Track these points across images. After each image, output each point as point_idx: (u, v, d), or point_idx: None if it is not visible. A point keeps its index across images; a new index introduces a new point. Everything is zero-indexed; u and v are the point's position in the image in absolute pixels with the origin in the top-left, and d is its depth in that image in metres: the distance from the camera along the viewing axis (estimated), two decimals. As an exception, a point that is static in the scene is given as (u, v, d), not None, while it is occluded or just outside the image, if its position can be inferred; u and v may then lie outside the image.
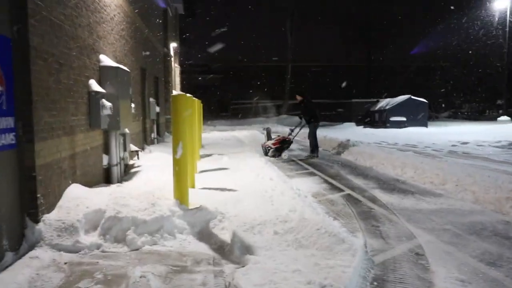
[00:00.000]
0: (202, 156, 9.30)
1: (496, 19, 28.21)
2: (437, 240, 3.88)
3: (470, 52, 32.17)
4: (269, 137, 11.21)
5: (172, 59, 17.99)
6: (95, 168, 5.46)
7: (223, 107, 38.31)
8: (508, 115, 25.53)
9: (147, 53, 10.07)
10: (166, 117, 15.08)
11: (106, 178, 5.84)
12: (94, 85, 5.53)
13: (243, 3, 36.55)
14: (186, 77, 35.60)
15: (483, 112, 37.65)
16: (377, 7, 35.69)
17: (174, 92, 18.97)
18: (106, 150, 5.95)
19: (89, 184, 5.00)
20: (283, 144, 10.49)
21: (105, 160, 5.87)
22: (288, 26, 32.87)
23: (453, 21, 32.20)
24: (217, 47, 33.99)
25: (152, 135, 11.43)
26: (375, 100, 26.80)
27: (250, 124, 27.30)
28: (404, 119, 22.57)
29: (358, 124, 25.59)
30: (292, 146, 11.72)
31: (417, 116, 22.75)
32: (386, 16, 35.49)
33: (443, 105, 38.31)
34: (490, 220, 4.56)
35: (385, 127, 22.70)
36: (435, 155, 10.36)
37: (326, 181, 7.13)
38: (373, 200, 5.66)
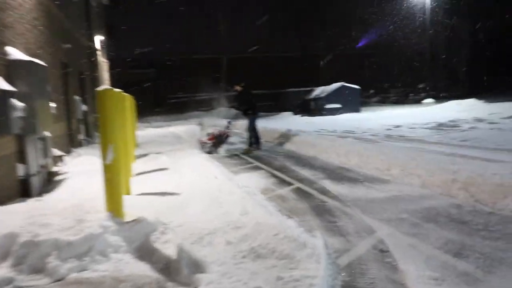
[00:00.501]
0: (138, 157, 8.57)
1: (419, 6, 29.85)
2: (397, 232, 3.70)
3: (395, 39, 33.84)
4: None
5: (99, 53, 16.69)
6: (6, 180, 4.63)
7: (158, 102, 36.82)
8: (431, 97, 27.20)
9: (68, 45, 9.04)
10: (95, 116, 13.93)
11: (23, 191, 5.02)
12: (1, 83, 4.68)
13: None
14: (117, 72, 33.71)
15: (407, 96, 39.96)
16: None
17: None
18: (22, 158, 5.11)
19: None
20: (219, 139, 10.06)
21: (20, 170, 5.04)
22: (220, 17, 32.24)
23: (381, 10, 33.64)
24: (149, 40, 32.49)
25: (80, 137, 10.41)
26: (310, 88, 27.17)
27: (187, 118, 26.46)
28: (339, 106, 23.10)
29: (295, 113, 25.81)
30: (234, 139, 11.33)
31: (350, 102, 23.39)
32: (318, 4, 36.18)
33: (371, 91, 40.08)
34: (442, 205, 4.50)
35: (322, 114, 23.07)
36: (374, 140, 10.52)
37: (273, 175, 6.82)
38: (324, 192, 5.43)
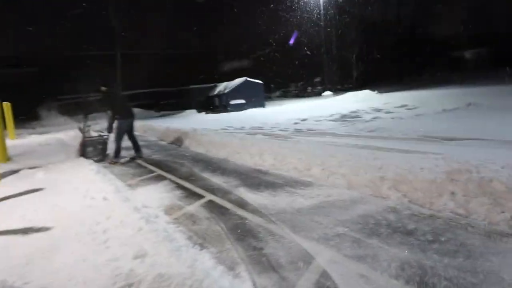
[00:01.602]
0: (4, 175, 6.80)
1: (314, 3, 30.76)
2: (339, 255, 2.97)
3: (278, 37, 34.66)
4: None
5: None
6: None
7: (44, 105, 32.71)
8: (329, 90, 28.24)
9: None
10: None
11: None
12: None
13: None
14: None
15: (305, 89, 41.39)
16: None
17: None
18: None
19: None
20: (85, 147, 8.49)
21: None
22: (110, 11, 29.49)
23: (279, 8, 34.05)
24: (30, 36, 28.50)
25: None
26: (213, 84, 26.31)
27: (80, 121, 23.68)
28: (244, 101, 22.63)
29: (199, 110, 24.76)
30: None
31: (254, 97, 23.07)
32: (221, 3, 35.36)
33: (272, 86, 40.67)
34: (377, 210, 3.94)
35: (227, 111, 22.41)
36: (285, 136, 10.02)
37: (179, 186, 5.76)
38: (242, 204, 4.56)
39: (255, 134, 11.06)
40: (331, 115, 14.88)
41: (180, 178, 6.32)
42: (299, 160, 6.26)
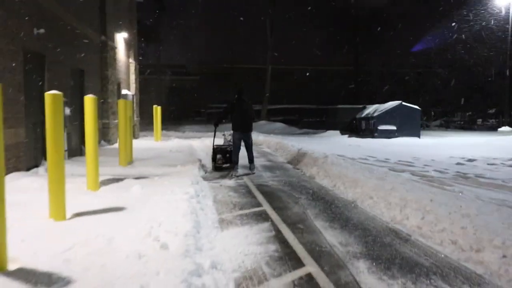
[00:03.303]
0: (109, 181, 6.33)
1: (495, 22, 25.84)
2: None
3: (465, 56, 29.77)
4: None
5: (123, 52, 15.02)
6: None
7: (198, 111, 35.39)
8: (508, 125, 23.10)
9: (41, 31, 7.07)
10: (102, 121, 12.07)
11: None
12: None
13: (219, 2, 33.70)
14: (159, 77, 32.67)
15: (474, 121, 35.36)
16: (366, 7, 33.23)
17: (124, 92, 15.96)
18: None
19: None
20: (215, 154, 8.79)
21: None
22: (268, 25, 30.00)
23: (449, 23, 29.83)
24: (193, 47, 31.17)
25: (60, 147, 8.41)
26: (362, 106, 24.10)
27: (223, 130, 24.35)
28: (394, 128, 19.90)
29: (343, 132, 22.86)
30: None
31: (408, 125, 20.09)
32: (375, 17, 33.04)
33: (432, 113, 35.93)
34: None
35: (373, 136, 20.01)
36: (441, 181, 7.58)
37: (278, 237, 4.23)
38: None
39: (401, 171, 8.82)
40: (511, 159, 11.40)
41: (286, 222, 4.78)
42: (462, 231, 4.08)
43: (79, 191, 5.62)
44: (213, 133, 9.59)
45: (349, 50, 36.01)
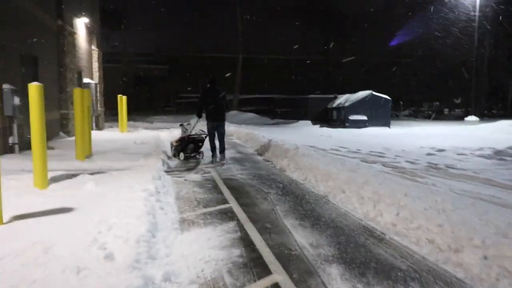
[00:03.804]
0: (61, 178, 5.77)
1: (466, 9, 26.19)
2: None
3: (433, 45, 30.14)
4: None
5: (84, 38, 14.14)
6: None
7: (168, 101, 34.46)
8: (474, 115, 23.59)
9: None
10: (61, 112, 11.30)
11: None
12: None
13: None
14: (125, 65, 31.48)
15: (442, 111, 36.12)
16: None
17: (86, 81, 15.10)
18: None
19: None
20: (182, 143, 8.77)
21: None
22: (238, 13, 29.30)
23: (419, 13, 30.09)
24: (160, 35, 30.14)
25: (10, 140, 7.72)
26: (333, 96, 24.00)
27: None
28: (365, 118, 19.91)
29: (314, 122, 22.73)
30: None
31: (379, 114, 20.15)
32: (347, 6, 32.97)
33: (401, 103, 36.42)
34: None
35: (344, 126, 19.97)
36: (413, 172, 7.43)
37: (244, 239, 3.86)
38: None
39: (373, 162, 8.64)
40: (480, 149, 11.46)
41: (253, 221, 4.42)
42: (439, 228, 3.84)
43: (24, 189, 5.06)
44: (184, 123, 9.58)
45: (320, 40, 35.87)
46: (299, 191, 6.04)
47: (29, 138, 8.81)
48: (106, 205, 4.30)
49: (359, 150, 11.03)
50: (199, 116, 8.58)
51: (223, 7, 30.60)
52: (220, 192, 5.85)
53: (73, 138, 11.34)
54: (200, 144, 8.92)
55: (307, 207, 5.08)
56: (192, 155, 8.93)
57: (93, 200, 4.57)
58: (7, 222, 3.85)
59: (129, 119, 19.59)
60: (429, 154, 10.36)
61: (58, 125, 10.97)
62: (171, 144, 9.33)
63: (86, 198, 4.67)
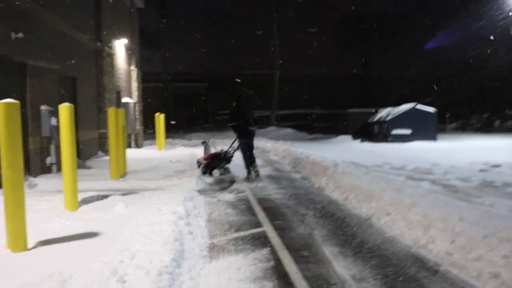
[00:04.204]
0: (92, 199, 5.65)
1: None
2: None
3: (480, 54, 28.59)
4: (206, 153, 9.52)
5: (123, 59, 14.48)
6: None
7: (206, 118, 34.82)
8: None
9: (19, 35, 6.49)
10: (99, 131, 11.48)
11: None
12: None
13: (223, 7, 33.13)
14: (164, 84, 32.23)
15: (491, 123, 34.01)
16: (373, 9, 32.36)
17: (125, 100, 15.40)
18: None
19: None
20: (213, 161, 8.75)
21: None
22: (274, 30, 29.29)
23: (463, 20, 28.72)
24: (198, 54, 30.70)
25: (47, 160, 7.81)
26: (374, 110, 23.20)
27: (231, 137, 23.64)
28: (409, 132, 18.98)
29: (355, 137, 21.98)
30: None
31: (424, 128, 19.14)
32: (383, 19, 32.11)
33: (447, 115, 34.68)
34: None
35: (386, 141, 19.12)
36: (466, 192, 6.74)
37: (277, 270, 3.49)
38: None
39: (419, 180, 7.99)
40: (539, 164, 10.44)
41: (289, 248, 4.03)
42: (504, 260, 3.29)
43: (54, 212, 4.97)
44: (221, 141, 9.89)
45: (358, 54, 35.08)
46: (340, 212, 5.58)
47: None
48: (132, 230, 4.08)
49: (403, 166, 10.35)
50: (237, 133, 8.67)
51: (260, 24, 30.74)
52: (254, 214, 5.51)
53: (111, 157, 11.51)
54: (230, 160, 8.99)
55: (349, 232, 4.63)
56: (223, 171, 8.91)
57: (120, 224, 4.37)
58: (31, 248, 3.71)
59: (168, 137, 19.82)
60: (482, 170, 9.52)
61: (96, 144, 11.14)
62: (198, 162, 9.03)
63: (113, 222, 4.49)
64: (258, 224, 4.97)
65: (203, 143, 9.60)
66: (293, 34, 30.72)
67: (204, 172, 8.72)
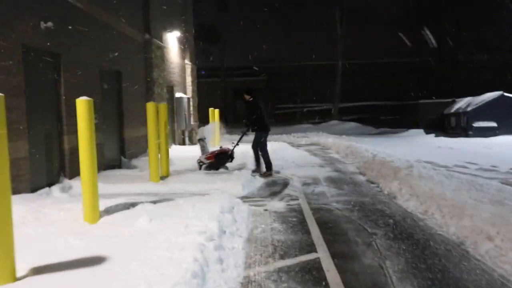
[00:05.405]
0: (118, 208, 4.89)
1: None
2: None
3: None
4: (203, 151, 8.61)
5: (176, 52, 13.96)
6: None
7: (268, 113, 34.04)
8: None
9: (49, 24, 5.91)
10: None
11: None
12: None
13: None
14: (223, 80, 31.86)
15: None
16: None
17: (179, 95, 14.91)
18: None
19: None
20: (218, 159, 8.08)
21: None
22: (337, 17, 27.47)
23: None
24: (256, 46, 29.92)
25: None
26: (450, 100, 20.77)
27: (290, 132, 22.49)
28: (494, 124, 16.56)
29: (427, 131, 19.79)
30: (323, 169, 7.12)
31: (512, 120, 16.59)
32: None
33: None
34: None
35: (466, 135, 16.86)
36: None
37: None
38: None
39: (520, 186, 6.33)
40: None
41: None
42: None
43: (70, 224, 4.24)
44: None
45: (431, 36, 31.86)
46: (419, 232, 4.29)
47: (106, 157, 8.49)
48: (146, 257, 3.18)
49: (494, 167, 8.57)
50: (252, 130, 8.28)
51: (321, 11, 29.16)
52: (307, 231, 4.40)
53: (159, 155, 10.98)
54: (233, 157, 8.51)
55: (435, 264, 3.37)
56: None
57: (135, 246, 3.50)
58: (21, 278, 2.95)
59: (226, 132, 19.20)
60: None
61: (145, 142, 10.59)
62: (200, 162, 8.15)
63: (129, 242, 3.63)
64: (310, 247, 3.87)
65: (199, 140, 8.82)
66: (357, 20, 28.66)
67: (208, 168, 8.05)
